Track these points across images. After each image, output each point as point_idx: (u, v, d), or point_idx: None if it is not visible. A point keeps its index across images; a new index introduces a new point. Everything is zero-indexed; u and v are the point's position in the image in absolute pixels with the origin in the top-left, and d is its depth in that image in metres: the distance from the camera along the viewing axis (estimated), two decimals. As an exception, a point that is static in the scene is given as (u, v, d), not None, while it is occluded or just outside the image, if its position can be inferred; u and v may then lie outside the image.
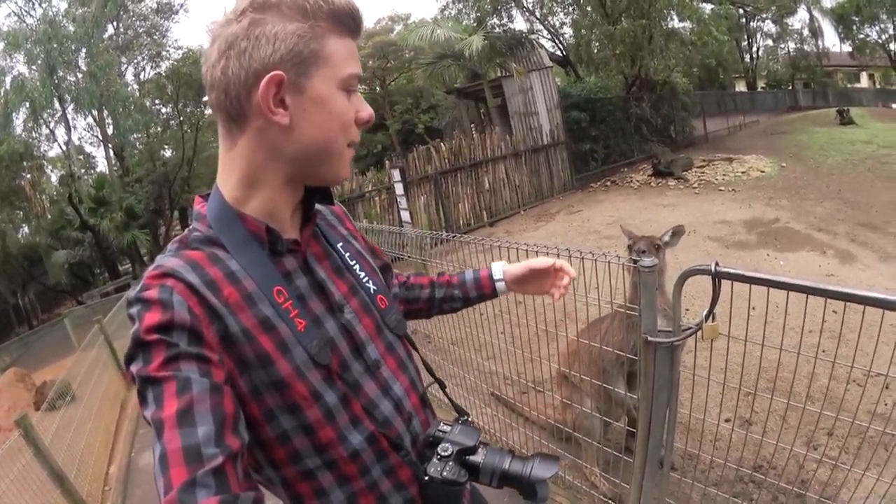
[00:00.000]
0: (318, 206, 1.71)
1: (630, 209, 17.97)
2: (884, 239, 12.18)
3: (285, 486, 1.51)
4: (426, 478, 1.54)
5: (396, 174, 15.49)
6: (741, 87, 57.02)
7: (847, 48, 58.48)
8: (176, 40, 33.82)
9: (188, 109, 32.65)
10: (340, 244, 1.74)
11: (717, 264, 2.72)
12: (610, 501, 4.37)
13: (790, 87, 59.03)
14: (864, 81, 63.81)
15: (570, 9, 30.85)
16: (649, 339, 3.19)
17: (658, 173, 22.52)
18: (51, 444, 6.70)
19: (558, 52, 32.79)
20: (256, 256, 1.44)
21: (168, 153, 33.98)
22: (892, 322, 6.77)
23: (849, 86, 61.70)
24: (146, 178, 29.66)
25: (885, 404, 4.60)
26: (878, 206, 15.23)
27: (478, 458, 1.61)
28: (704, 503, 3.90)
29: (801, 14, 53.02)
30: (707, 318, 2.85)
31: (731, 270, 2.76)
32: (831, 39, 59.11)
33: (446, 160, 19.26)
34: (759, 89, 58.36)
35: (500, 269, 2.27)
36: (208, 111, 34.54)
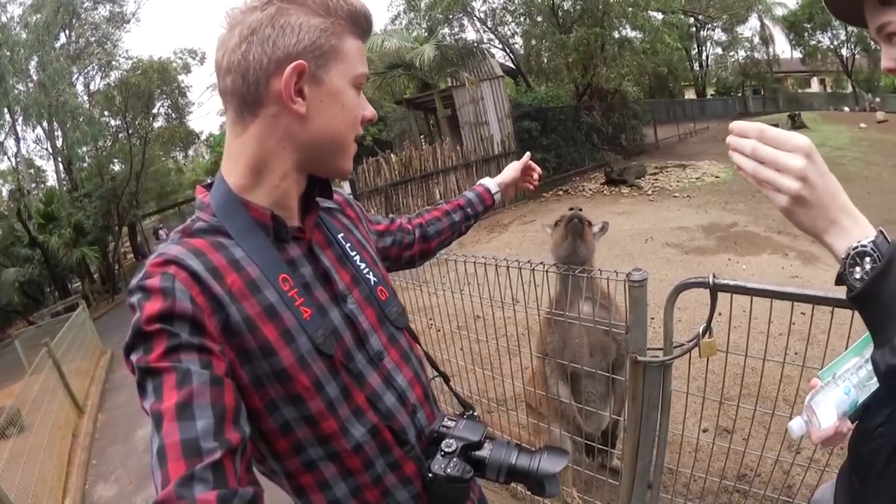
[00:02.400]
0: (318, 198, 1.70)
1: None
2: None
3: (289, 477, 1.51)
4: (430, 475, 1.55)
5: (346, 187, 15.58)
6: (690, 94, 58.26)
7: (798, 54, 59.57)
8: (127, 50, 33.42)
9: (137, 122, 32.09)
10: (341, 234, 1.74)
11: (714, 276, 2.66)
12: None
13: (740, 94, 60.49)
14: (815, 86, 65.63)
15: (522, 18, 31.23)
16: (639, 358, 3.07)
17: (611, 181, 22.78)
18: (2, 477, 6.54)
19: (509, 62, 33.18)
20: (261, 244, 1.44)
21: (117, 167, 33.43)
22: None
23: (799, 91, 63.57)
24: (95, 193, 28.91)
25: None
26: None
27: (484, 452, 1.61)
28: None
29: (752, 22, 53.92)
30: (704, 333, 2.79)
31: (730, 282, 2.69)
32: (781, 46, 60.07)
33: (396, 172, 19.50)
34: (708, 97, 59.78)
35: (493, 184, 2.64)
36: (157, 123, 34.51)
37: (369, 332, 1.62)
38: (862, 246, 1.15)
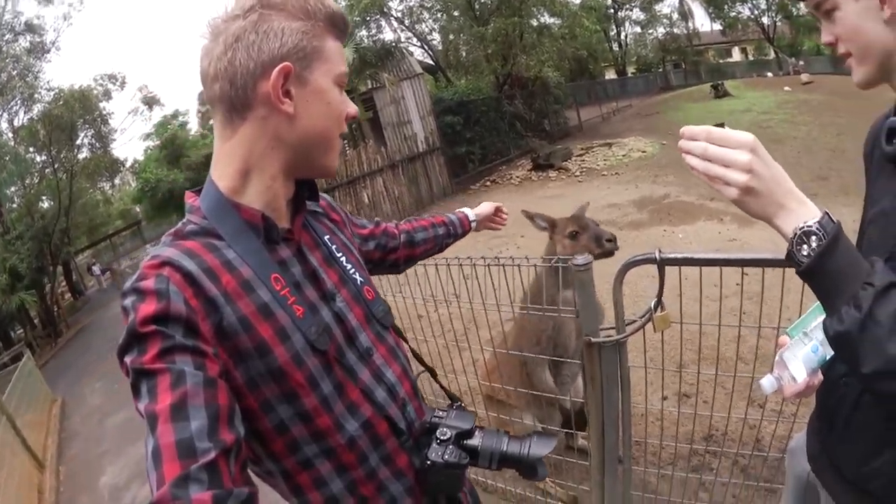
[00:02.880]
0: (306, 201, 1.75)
1: (515, 205, 17.33)
2: None
3: (285, 477, 1.53)
4: (428, 462, 1.61)
5: None
6: (611, 74, 59.81)
7: (718, 26, 60.37)
8: (48, 81, 32.68)
9: (62, 155, 31.36)
10: (327, 237, 1.77)
11: (660, 251, 2.72)
12: None
13: (661, 69, 61.84)
14: (737, 55, 67.26)
15: (439, 14, 31.30)
16: (592, 340, 3.08)
17: (538, 167, 22.97)
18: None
19: (428, 59, 33.29)
20: (252, 245, 1.46)
21: (45, 204, 32.62)
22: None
23: (721, 61, 65.17)
24: (27, 234, 28.08)
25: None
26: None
27: (475, 441, 1.67)
28: (664, 484, 3.85)
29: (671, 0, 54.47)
30: (656, 308, 2.84)
31: (677, 255, 2.76)
32: (701, 20, 61.05)
33: (322, 180, 18.93)
34: (629, 75, 61.03)
35: (472, 213, 2.82)
36: (82, 155, 33.24)
37: (358, 329, 1.65)
38: (808, 226, 1.27)
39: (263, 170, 1.50)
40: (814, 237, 1.26)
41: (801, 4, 1.66)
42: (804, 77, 35.92)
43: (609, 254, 3.88)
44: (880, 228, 1.62)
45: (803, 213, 1.30)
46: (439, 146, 23.45)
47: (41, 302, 27.70)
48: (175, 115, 57.88)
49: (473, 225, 2.81)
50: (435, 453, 1.61)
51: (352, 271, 1.75)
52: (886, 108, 1.73)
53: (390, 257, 2.35)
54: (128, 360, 1.21)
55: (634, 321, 2.99)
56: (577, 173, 21.23)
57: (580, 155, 23.93)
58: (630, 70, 63.28)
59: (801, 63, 47.64)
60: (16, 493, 8.47)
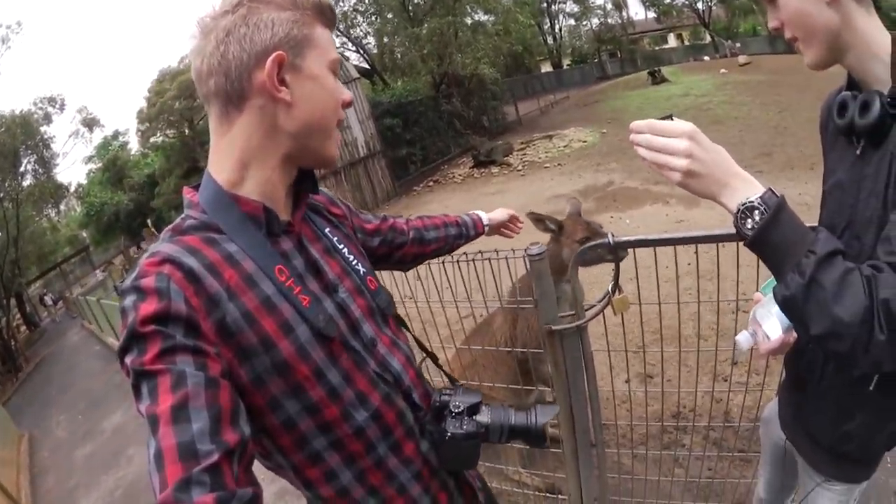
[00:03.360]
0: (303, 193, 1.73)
1: (459, 203, 18.18)
2: None
3: (295, 471, 1.53)
4: (448, 435, 1.64)
5: None
6: (547, 67, 60.25)
7: (652, 14, 60.87)
8: None
9: (6, 183, 30.73)
10: (328, 229, 1.76)
11: (612, 235, 2.75)
12: (546, 494, 4.26)
13: (596, 60, 62.64)
14: (673, 41, 68.28)
15: (373, 17, 31.26)
16: (553, 328, 3.05)
17: (480, 163, 23.13)
18: None
19: (364, 63, 33.35)
20: (254, 237, 1.45)
21: None
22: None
23: (657, 48, 66.08)
24: (-22, 271, 27.71)
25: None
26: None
27: (484, 417, 1.71)
28: (639, 464, 3.92)
29: None
30: (614, 291, 2.87)
31: (631, 239, 2.79)
32: (635, 8, 61.76)
33: None
34: (564, 67, 61.57)
35: (486, 217, 2.77)
36: (26, 182, 32.40)
37: (361, 320, 1.64)
38: (750, 201, 1.38)
39: (263, 160, 1.49)
40: (756, 211, 1.38)
41: None
42: (741, 59, 36.81)
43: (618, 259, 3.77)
44: (836, 200, 1.72)
45: (747, 190, 1.41)
46: (380, 150, 23.54)
47: (-1, 339, 27.12)
48: (115, 136, 57.46)
49: (486, 229, 2.78)
50: (453, 426, 1.64)
51: (354, 262, 1.74)
52: (841, 82, 1.78)
53: (397, 253, 2.32)
54: (128, 360, 1.20)
55: (594, 306, 3.03)
56: (520, 167, 21.33)
57: (521, 149, 24.07)
58: (566, 62, 64.00)
59: (738, 45, 48.96)
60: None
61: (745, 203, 1.39)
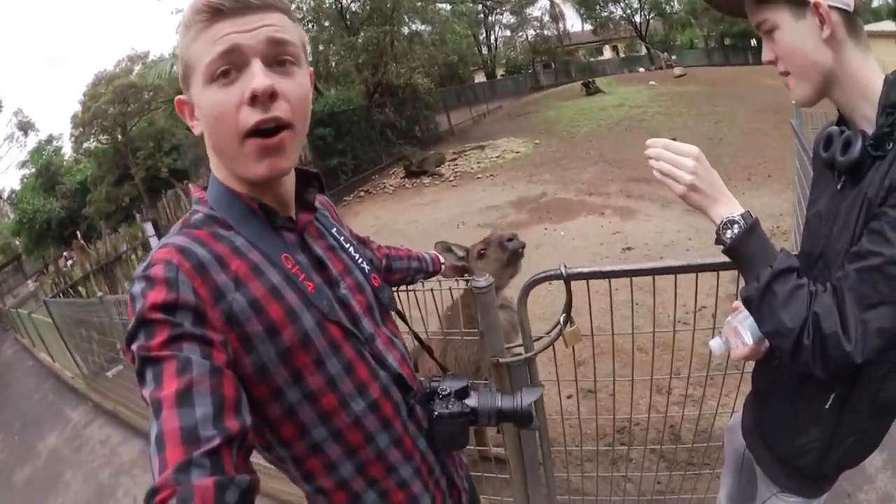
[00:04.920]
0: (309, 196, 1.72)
1: (391, 214, 18.18)
2: (659, 188, 12.82)
3: (296, 463, 1.54)
4: (435, 414, 1.71)
5: (149, 228, 15.46)
6: (480, 77, 60.28)
7: (589, 27, 61.69)
8: None
9: None
10: (334, 229, 1.79)
11: (565, 266, 2.76)
12: None
13: (531, 70, 63.05)
14: (608, 53, 69.57)
15: (310, 25, 30.89)
16: (500, 360, 3.05)
17: (411, 174, 23.14)
18: None
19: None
20: (260, 228, 1.48)
21: None
22: (697, 260, 6.50)
23: (592, 59, 66.88)
24: None
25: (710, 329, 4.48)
26: (645, 160, 15.79)
27: (473, 401, 1.77)
28: (587, 482, 3.95)
29: (542, 2, 55.80)
30: (566, 323, 2.88)
31: (583, 270, 2.82)
32: (572, 20, 62.57)
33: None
34: (498, 77, 61.79)
35: (442, 257, 2.97)
36: None
37: (360, 316, 1.65)
38: (733, 217, 1.70)
39: (227, 173, 1.50)
40: (736, 225, 1.68)
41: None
42: (677, 70, 38.03)
43: (517, 254, 3.83)
44: (814, 229, 1.89)
45: (731, 207, 1.72)
46: (310, 159, 23.29)
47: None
48: (49, 141, 56.03)
49: (443, 268, 2.95)
50: (440, 406, 1.72)
51: (359, 260, 1.77)
52: (833, 118, 1.87)
53: None
54: (135, 346, 1.20)
55: (541, 337, 3.05)
56: (452, 178, 21.36)
57: (453, 159, 24.14)
58: (499, 72, 64.41)
59: (674, 57, 50.31)
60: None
61: (728, 217, 1.70)
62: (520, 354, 3.07)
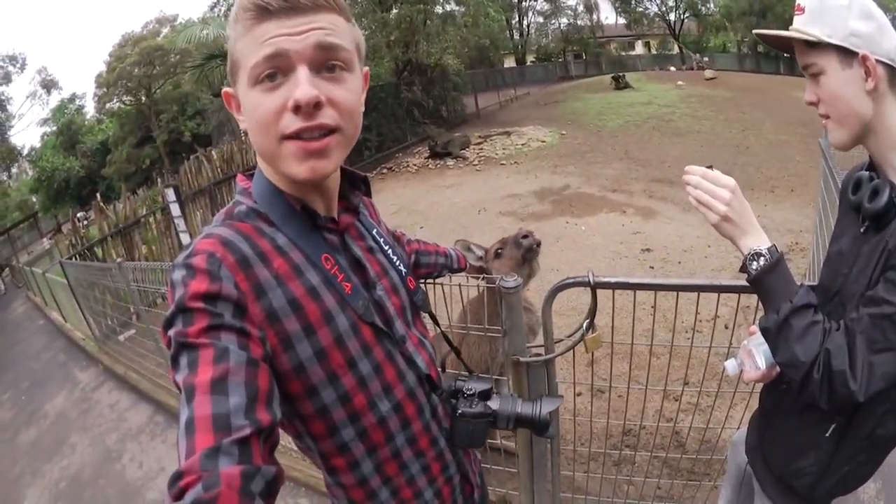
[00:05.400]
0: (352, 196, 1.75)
1: (412, 194, 17.90)
2: (682, 192, 12.27)
3: (323, 458, 1.60)
4: (459, 413, 1.76)
5: (171, 194, 14.99)
6: (510, 62, 59.85)
7: (622, 20, 61.08)
8: None
9: None
10: (375, 230, 1.79)
11: (593, 274, 2.75)
12: None
13: (561, 60, 62.28)
14: (640, 49, 68.28)
15: (343, -1, 30.81)
16: (521, 360, 3.09)
17: (435, 154, 22.80)
18: None
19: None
20: (302, 227, 1.49)
21: None
22: (713, 267, 7.77)
23: (623, 53, 65.67)
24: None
25: (725, 345, 4.48)
26: (670, 161, 16.43)
27: (494, 404, 1.82)
28: (591, 482, 3.97)
29: None
30: (588, 329, 2.89)
31: (610, 280, 2.80)
32: (606, 12, 62.02)
33: (219, 169, 18.70)
34: (528, 64, 61.35)
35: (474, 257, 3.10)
36: None
37: (394, 317, 1.68)
38: (760, 250, 1.78)
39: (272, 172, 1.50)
40: (762, 258, 1.77)
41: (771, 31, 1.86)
42: (708, 73, 37.40)
43: (531, 251, 3.71)
44: (834, 266, 1.94)
45: (758, 239, 1.79)
46: (336, 132, 22.93)
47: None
48: (72, 99, 55.97)
49: (467, 266, 2.96)
50: (464, 405, 1.77)
51: (397, 262, 1.79)
52: (862, 161, 1.94)
53: None
54: (172, 331, 1.20)
55: (562, 340, 3.06)
56: (476, 162, 21.04)
57: (478, 143, 23.78)
58: (529, 59, 63.90)
59: (706, 59, 49.35)
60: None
61: (755, 249, 1.78)
62: (540, 355, 3.10)
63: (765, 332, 1.79)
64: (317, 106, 1.30)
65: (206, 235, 1.35)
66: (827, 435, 1.95)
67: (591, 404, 3.68)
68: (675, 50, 61.59)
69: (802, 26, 1.73)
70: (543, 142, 22.47)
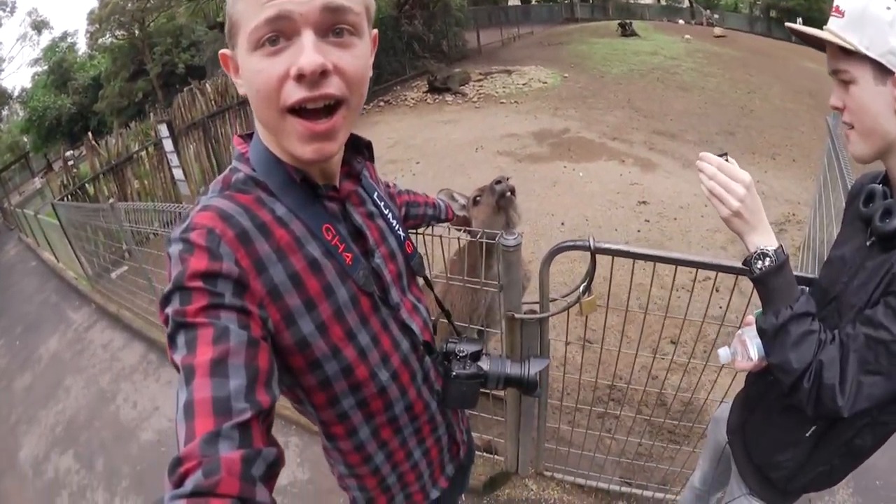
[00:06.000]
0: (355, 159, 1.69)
1: (409, 128, 17.66)
2: (683, 146, 12.95)
3: (322, 425, 1.66)
4: (453, 374, 1.79)
5: (164, 129, 14.96)
6: (514, 1, 57.96)
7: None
8: None
9: None
10: (376, 193, 1.76)
11: (593, 239, 2.72)
12: (483, 453, 4.38)
13: (567, 1, 60.74)
14: None
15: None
16: (516, 315, 3.14)
17: (434, 89, 22.50)
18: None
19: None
20: (302, 197, 1.45)
21: None
22: (708, 227, 7.63)
23: (631, 1, 64.29)
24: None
25: (719, 307, 4.56)
26: (673, 114, 16.36)
27: (484, 365, 1.86)
28: (575, 433, 3.99)
29: None
30: (584, 292, 2.87)
31: (611, 246, 2.78)
32: None
33: (213, 101, 18.34)
34: (532, 2, 60.15)
35: (458, 208, 3.04)
36: None
37: (390, 285, 1.68)
38: (767, 250, 1.76)
39: (273, 140, 1.43)
40: (768, 259, 1.76)
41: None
42: (717, 30, 36.92)
43: (505, 198, 3.48)
44: (836, 271, 1.94)
45: (766, 238, 1.78)
46: (333, 66, 22.81)
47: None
48: (63, 38, 55.48)
49: (455, 215, 2.96)
50: (457, 367, 1.80)
51: (396, 227, 1.78)
52: (876, 170, 1.89)
53: None
54: (169, 309, 1.16)
55: (557, 299, 3.06)
56: (475, 99, 20.79)
57: (479, 80, 23.49)
58: (535, -2, 62.35)
59: (716, 16, 48.84)
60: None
61: (762, 249, 1.76)
62: (534, 312, 3.13)
63: (762, 333, 1.82)
64: (322, 74, 1.22)
65: (203, 207, 1.30)
66: (807, 435, 2.01)
67: (581, 356, 3.75)
68: (686, 3, 61.01)
69: (840, 31, 1.65)
70: (545, 83, 22.14)
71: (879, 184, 1.81)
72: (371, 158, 1.76)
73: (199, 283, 1.16)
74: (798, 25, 1.78)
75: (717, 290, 3.00)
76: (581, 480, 4.03)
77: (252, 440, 1.05)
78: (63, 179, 15.97)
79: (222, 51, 1.37)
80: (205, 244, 1.21)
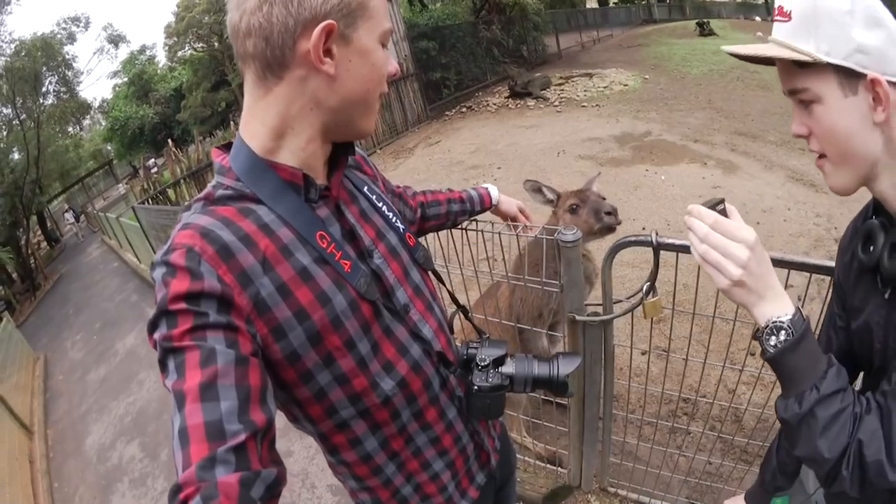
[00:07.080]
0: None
1: (491, 134, 17.58)
2: (765, 147, 12.36)
3: (322, 438, 1.60)
4: (475, 388, 1.70)
5: None
6: (592, 3, 57.92)
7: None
8: (10, 33, 32.09)
9: (27, 105, 30.26)
10: (366, 188, 1.75)
11: (657, 234, 2.48)
12: (547, 464, 4.28)
13: (644, 2, 60.63)
14: None
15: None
16: (577, 318, 3.01)
17: (515, 94, 22.32)
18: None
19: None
20: (295, 204, 1.42)
21: (15, 156, 31.31)
22: (791, 232, 7.20)
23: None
24: (-1, 191, 27.55)
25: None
26: (754, 114, 15.70)
27: (510, 368, 1.76)
28: (642, 447, 3.90)
29: None
30: (648, 293, 2.63)
31: (675, 242, 2.55)
32: None
33: None
34: (610, 5, 59.62)
35: (496, 193, 2.73)
36: (47, 102, 32.42)
37: (395, 285, 1.64)
38: (780, 321, 1.36)
39: (299, 133, 1.42)
40: (783, 332, 1.36)
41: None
42: None
43: (609, 229, 3.66)
44: (866, 344, 1.61)
45: (779, 307, 1.39)
46: (414, 72, 22.89)
47: (17, 256, 27.60)
48: (142, 51, 58.34)
49: (496, 204, 2.75)
50: (479, 378, 1.70)
51: (394, 220, 1.74)
52: (864, 205, 1.63)
53: None
54: (157, 335, 1.17)
55: (620, 301, 2.97)
56: (556, 103, 20.50)
57: (559, 84, 23.23)
58: (612, 0, 62.17)
59: None
60: (8, 463, 8.10)
61: (774, 321, 1.38)
62: (598, 314, 3.02)
63: (783, 422, 1.44)
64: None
65: (183, 226, 1.30)
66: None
67: (646, 364, 3.64)
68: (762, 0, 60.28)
69: (789, 38, 1.38)
70: (626, 85, 21.77)
71: (872, 217, 1.53)
72: (352, 150, 1.69)
73: (182, 305, 1.17)
74: (736, 48, 1.55)
75: (798, 299, 3.03)
76: (645, 499, 3.87)
77: (249, 462, 1.07)
78: (143, 185, 16.40)
79: (329, 21, 1.29)
80: (185, 264, 1.21)
